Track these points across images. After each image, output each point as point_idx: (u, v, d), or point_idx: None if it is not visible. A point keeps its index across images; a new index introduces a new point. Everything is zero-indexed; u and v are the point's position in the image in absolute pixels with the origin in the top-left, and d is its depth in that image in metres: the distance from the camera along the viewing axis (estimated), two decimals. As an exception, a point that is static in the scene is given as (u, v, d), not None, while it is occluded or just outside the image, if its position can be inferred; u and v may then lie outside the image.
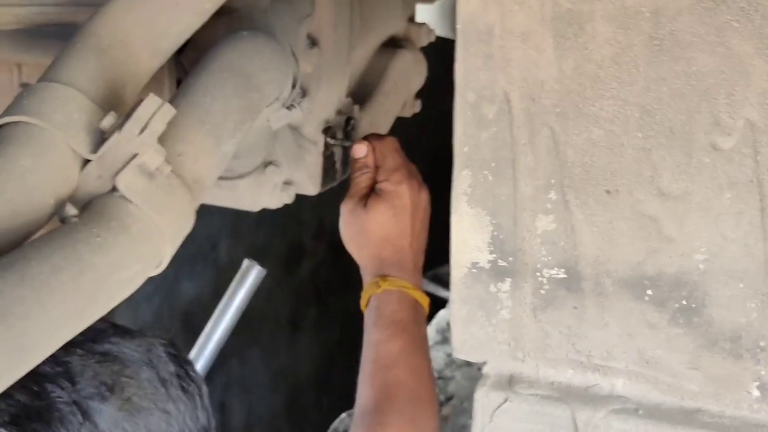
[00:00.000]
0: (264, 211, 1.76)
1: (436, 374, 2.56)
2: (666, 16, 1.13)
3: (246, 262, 2.50)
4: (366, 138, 1.70)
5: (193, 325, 3.69)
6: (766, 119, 1.12)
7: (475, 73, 1.24)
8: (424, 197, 1.64)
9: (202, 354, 2.04)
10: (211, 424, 1.16)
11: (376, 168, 1.66)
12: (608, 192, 1.21)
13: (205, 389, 1.16)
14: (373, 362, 1.50)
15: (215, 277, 3.76)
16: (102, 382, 1.03)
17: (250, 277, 2.54)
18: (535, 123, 1.22)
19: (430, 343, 2.53)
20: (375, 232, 1.61)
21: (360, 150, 1.68)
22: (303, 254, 4.12)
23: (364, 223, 1.61)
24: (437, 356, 2.60)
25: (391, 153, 1.67)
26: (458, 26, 1.23)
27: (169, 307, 3.52)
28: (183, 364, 1.14)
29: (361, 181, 1.66)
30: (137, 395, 1.06)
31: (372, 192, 1.64)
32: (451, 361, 2.55)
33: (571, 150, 1.21)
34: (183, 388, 1.12)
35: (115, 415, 1.03)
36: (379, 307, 1.56)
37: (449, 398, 2.47)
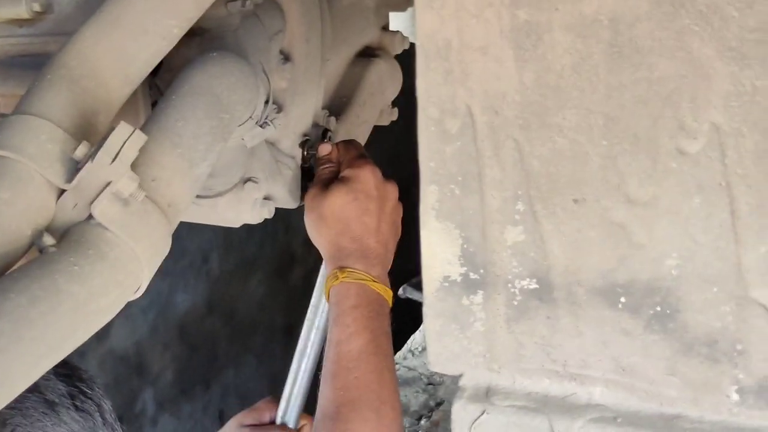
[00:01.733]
0: (253, 223, 1.76)
1: (425, 380, 2.55)
2: (624, 23, 1.13)
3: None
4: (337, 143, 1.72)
5: (189, 337, 3.69)
6: (730, 122, 1.11)
7: (436, 88, 1.23)
8: (390, 189, 1.64)
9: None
10: None
11: (340, 164, 1.67)
12: (576, 201, 1.21)
13: (106, 405, 1.16)
14: (333, 363, 1.49)
15: (208, 288, 3.76)
16: None
17: None
18: (499, 135, 1.22)
19: (419, 348, 2.52)
20: (333, 216, 1.59)
21: (325, 148, 1.70)
22: (294, 262, 4.11)
23: (323, 207, 1.60)
24: (426, 362, 2.60)
25: (355, 149, 1.70)
26: (417, 42, 1.23)
27: (165, 319, 3.52)
28: (77, 382, 1.14)
29: (324, 172, 1.67)
30: (22, 425, 1.06)
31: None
32: (440, 371, 2.54)
33: (537, 161, 1.21)
34: (77, 407, 1.11)
35: None
36: (339, 302, 1.54)
37: (439, 404, 2.46)
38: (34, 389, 1.09)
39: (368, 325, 1.52)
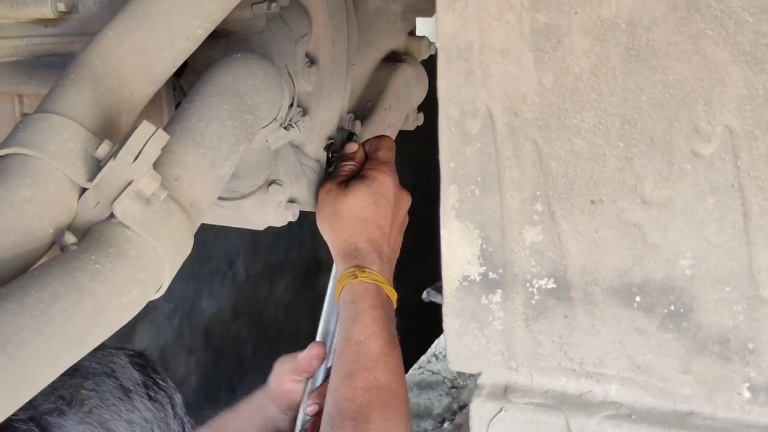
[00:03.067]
0: (280, 227, 1.77)
1: (449, 383, 2.57)
2: (641, 27, 1.15)
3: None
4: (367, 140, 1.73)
5: (214, 342, 3.71)
6: (744, 125, 1.13)
7: (457, 89, 1.25)
8: (405, 199, 1.65)
9: None
10: None
11: (364, 162, 1.69)
12: (593, 202, 1.23)
13: (178, 398, 1.17)
14: (353, 362, 1.50)
15: (234, 293, 3.78)
16: (60, 396, 1.04)
17: None
18: (519, 136, 1.24)
19: (443, 353, 2.54)
20: (351, 215, 1.60)
21: (351, 147, 1.71)
22: (320, 268, 4.13)
23: (341, 203, 1.61)
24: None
25: (385, 148, 1.71)
26: (438, 44, 1.25)
27: (190, 324, 3.54)
28: (151, 373, 1.15)
29: (345, 168, 1.69)
30: (99, 407, 1.07)
31: (355, 177, 1.66)
32: (462, 371, 2.55)
33: (555, 162, 1.23)
34: (150, 397, 1.12)
35: (75, 428, 1.04)
36: (357, 300, 1.55)
37: (462, 407, 2.48)
38: (111, 374, 1.11)
39: (386, 326, 1.53)
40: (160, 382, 1.15)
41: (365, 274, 1.56)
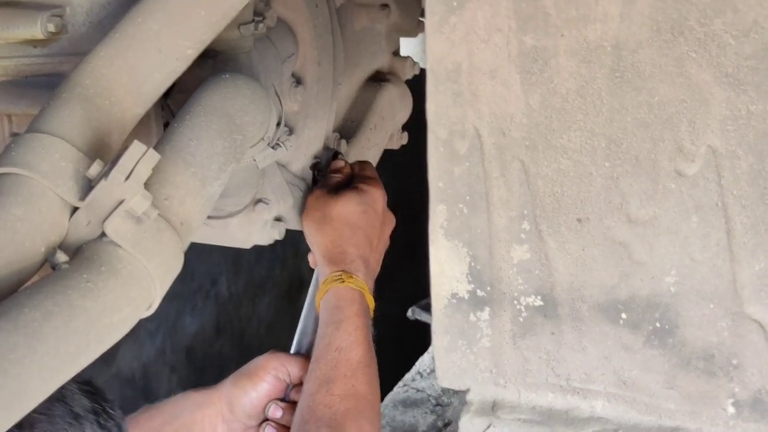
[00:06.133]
0: (263, 246, 1.78)
1: (433, 401, 2.58)
2: (627, 50, 1.17)
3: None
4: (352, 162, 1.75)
5: (196, 360, 3.71)
6: (727, 145, 1.15)
7: (446, 110, 1.27)
8: (391, 221, 1.66)
9: None
10: None
11: (352, 177, 1.70)
12: (579, 220, 1.24)
13: (125, 427, 1.17)
14: (332, 368, 1.49)
15: (216, 311, 3.78)
16: None
17: None
18: (506, 156, 1.25)
19: (427, 370, 2.55)
20: (341, 220, 1.61)
21: (338, 163, 1.74)
22: (303, 285, 4.13)
23: (331, 208, 1.62)
24: (434, 383, 2.61)
25: (370, 169, 1.73)
26: (428, 65, 1.26)
27: (172, 342, 3.54)
28: (100, 401, 1.15)
29: (333, 178, 1.70)
30: (49, 431, 1.07)
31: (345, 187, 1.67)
32: (447, 388, 2.56)
33: (542, 181, 1.25)
34: (100, 425, 1.12)
35: None
36: (342, 306, 1.54)
37: (447, 424, 2.48)
38: (62, 399, 1.10)
39: (366, 335, 1.53)
40: (110, 411, 1.15)
41: (352, 280, 1.56)
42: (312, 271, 1.70)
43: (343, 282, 1.56)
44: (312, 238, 1.65)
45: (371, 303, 1.58)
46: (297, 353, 1.70)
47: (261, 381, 1.63)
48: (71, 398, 1.12)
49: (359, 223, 1.61)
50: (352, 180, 1.71)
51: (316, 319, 1.63)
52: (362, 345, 1.51)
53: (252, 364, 1.67)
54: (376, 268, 1.65)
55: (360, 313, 1.54)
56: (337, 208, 1.62)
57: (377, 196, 1.64)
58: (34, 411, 1.03)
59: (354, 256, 1.59)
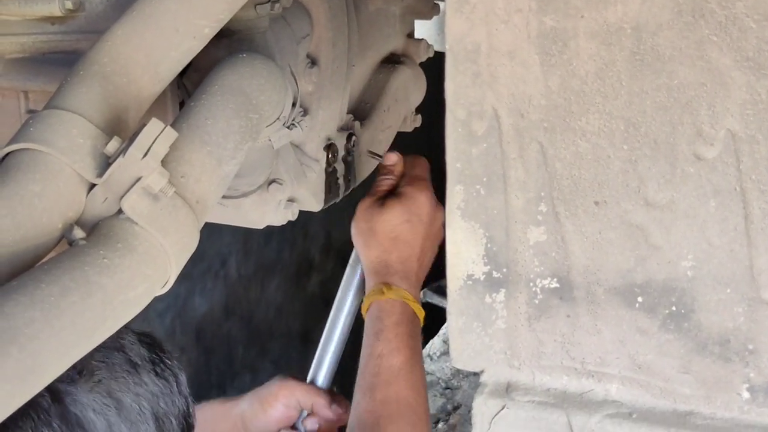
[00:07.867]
0: (273, 227, 1.78)
1: (443, 384, 2.58)
2: (647, 32, 1.16)
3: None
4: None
5: (205, 340, 3.71)
6: (746, 129, 1.15)
7: (465, 90, 1.27)
8: (440, 216, 1.66)
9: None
10: (191, 410, 1.18)
11: (402, 177, 1.71)
12: (596, 203, 1.24)
13: (183, 378, 1.19)
14: (374, 375, 1.52)
15: (226, 292, 3.78)
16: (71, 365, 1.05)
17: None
18: (524, 138, 1.25)
19: (437, 353, 2.55)
20: (385, 233, 1.63)
21: (391, 158, 1.74)
22: (312, 268, 4.13)
23: (376, 221, 1.64)
24: (444, 366, 2.62)
25: (421, 166, 1.73)
26: (447, 45, 1.26)
27: (182, 323, 3.53)
28: (158, 351, 1.17)
29: (383, 183, 1.71)
30: (108, 378, 1.08)
31: (392, 194, 1.68)
32: (457, 371, 2.56)
33: (560, 163, 1.25)
34: (157, 373, 1.14)
35: (85, 396, 1.05)
36: (382, 317, 1.57)
37: (456, 407, 2.49)
38: (120, 348, 1.12)
39: (408, 342, 1.55)
40: (167, 361, 1.17)
41: (392, 291, 1.58)
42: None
43: (383, 294, 1.58)
44: (359, 248, 1.68)
45: (418, 311, 1.60)
46: (312, 382, 1.77)
47: (270, 408, 1.72)
48: (129, 348, 1.14)
49: (401, 235, 1.63)
50: (402, 178, 1.72)
51: (336, 351, 1.74)
52: (403, 352, 1.54)
53: (265, 388, 1.76)
54: (421, 270, 1.66)
55: (401, 322, 1.56)
56: (381, 224, 1.63)
57: (422, 200, 1.65)
58: (94, 359, 1.05)
59: (397, 268, 1.62)
